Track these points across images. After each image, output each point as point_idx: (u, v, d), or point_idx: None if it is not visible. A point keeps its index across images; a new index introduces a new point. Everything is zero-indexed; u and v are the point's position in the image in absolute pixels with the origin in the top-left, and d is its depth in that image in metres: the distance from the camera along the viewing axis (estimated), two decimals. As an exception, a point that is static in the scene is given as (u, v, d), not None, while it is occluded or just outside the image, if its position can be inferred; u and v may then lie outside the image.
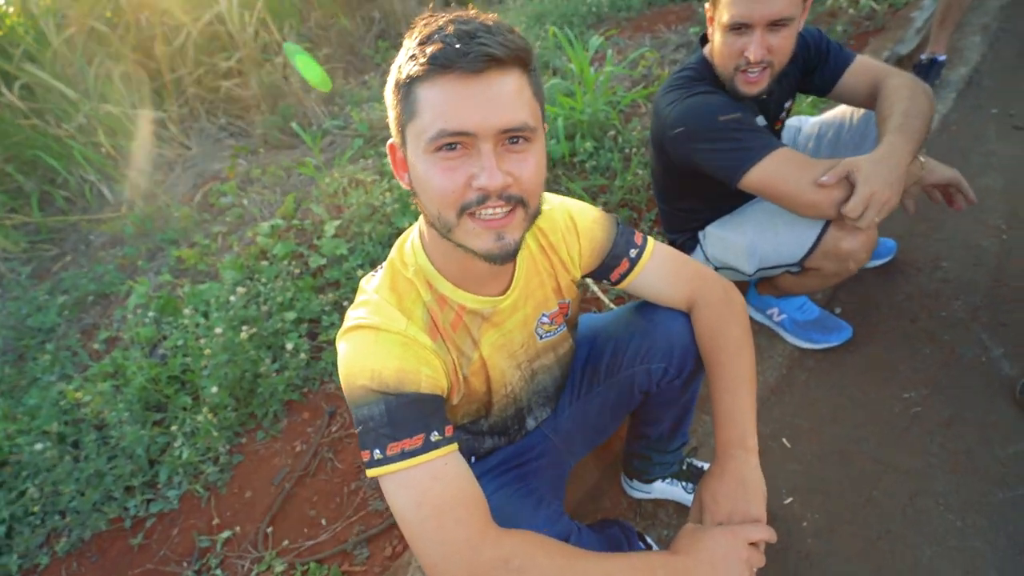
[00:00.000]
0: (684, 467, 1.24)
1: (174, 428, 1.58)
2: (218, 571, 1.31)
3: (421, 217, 0.75)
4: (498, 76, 0.60)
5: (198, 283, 2.17)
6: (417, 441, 0.66)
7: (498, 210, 0.64)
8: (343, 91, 3.85)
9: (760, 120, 1.32)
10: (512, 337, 0.85)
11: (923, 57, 2.45)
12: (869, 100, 1.28)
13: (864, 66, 1.31)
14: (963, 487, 1.17)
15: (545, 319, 0.89)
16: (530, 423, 1.02)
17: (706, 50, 1.31)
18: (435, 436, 0.67)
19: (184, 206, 2.94)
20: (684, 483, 1.23)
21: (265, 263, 2.13)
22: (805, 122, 1.63)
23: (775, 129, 1.44)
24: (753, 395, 0.83)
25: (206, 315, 1.91)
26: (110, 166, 3.31)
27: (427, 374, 0.71)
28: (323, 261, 2.10)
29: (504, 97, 0.60)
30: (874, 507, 1.18)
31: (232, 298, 1.87)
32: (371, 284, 0.77)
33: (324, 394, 1.71)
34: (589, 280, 0.99)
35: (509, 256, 0.67)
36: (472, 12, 0.63)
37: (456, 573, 0.63)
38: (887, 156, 1.09)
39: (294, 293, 1.95)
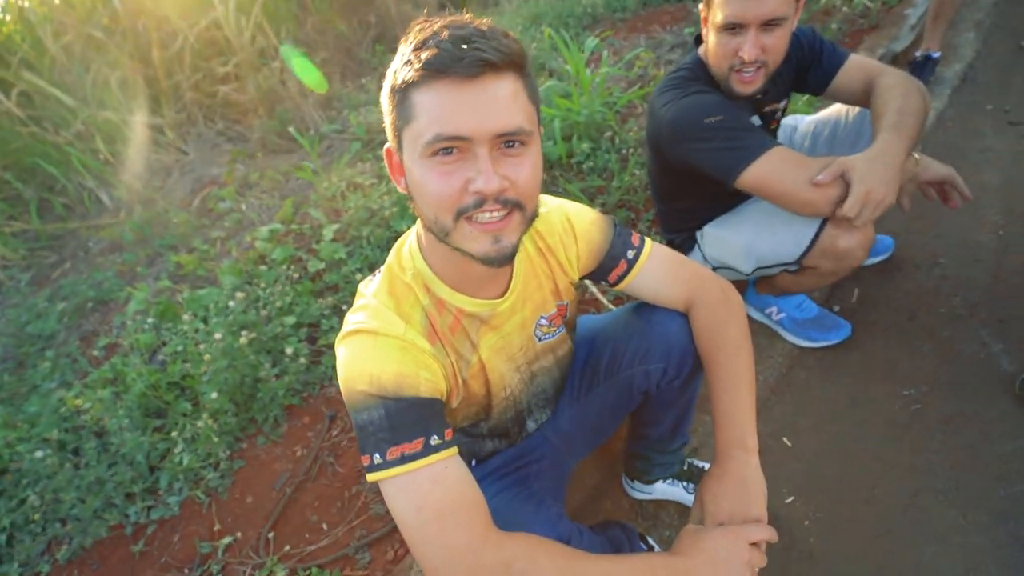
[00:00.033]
0: (685, 467, 1.23)
1: (174, 434, 1.58)
2: (220, 577, 1.31)
3: (418, 221, 0.75)
4: (493, 80, 0.60)
5: (197, 289, 2.17)
6: (417, 445, 0.66)
7: (495, 214, 0.64)
8: (340, 95, 3.86)
9: (755, 120, 1.33)
10: (511, 340, 0.85)
11: (917, 54, 2.46)
12: (864, 98, 1.29)
13: (858, 65, 1.32)
14: (964, 484, 1.17)
15: (544, 321, 0.89)
16: (530, 425, 1.02)
17: (700, 50, 1.31)
18: (435, 440, 0.67)
19: (182, 211, 2.94)
20: (685, 483, 1.23)
21: (264, 268, 2.13)
22: (801, 121, 1.63)
23: (770, 128, 1.45)
24: (752, 395, 0.83)
25: (205, 320, 1.91)
26: (108, 172, 3.31)
27: (426, 378, 0.71)
28: (322, 265, 2.10)
29: (499, 101, 0.60)
30: (876, 505, 1.18)
31: (231, 303, 1.87)
32: (369, 288, 0.78)
33: (324, 398, 1.70)
34: (588, 281, 1.00)
35: (506, 259, 0.67)
36: (467, 17, 0.63)
37: (457, 577, 0.63)
38: (881, 154, 1.09)
39: (293, 297, 1.95)
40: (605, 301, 1.71)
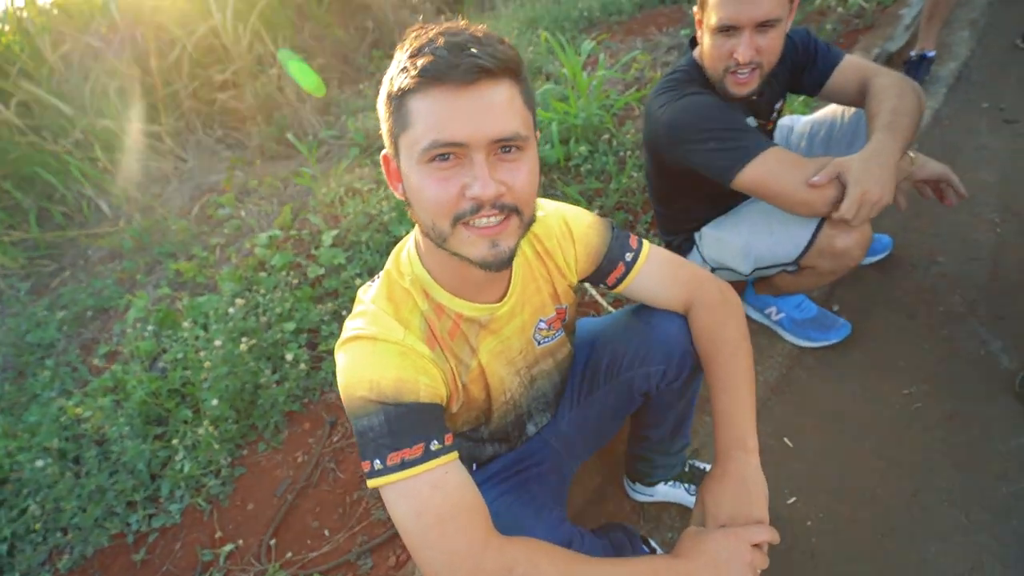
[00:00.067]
0: (687, 469, 1.23)
1: (175, 442, 1.57)
2: (222, 585, 1.31)
3: (416, 227, 0.75)
4: (489, 87, 0.60)
5: (197, 296, 2.17)
6: (417, 451, 0.66)
7: (492, 219, 0.64)
8: (338, 100, 3.87)
9: (751, 121, 1.33)
10: (510, 344, 0.85)
11: (913, 53, 2.47)
12: (859, 99, 1.29)
13: (852, 65, 1.32)
14: (966, 482, 1.17)
15: (543, 325, 0.89)
16: (530, 429, 1.02)
17: (696, 52, 1.32)
18: (435, 445, 0.67)
19: (182, 219, 2.94)
20: (687, 485, 1.23)
21: (263, 274, 2.14)
22: (797, 121, 1.64)
23: (767, 129, 1.45)
24: (752, 395, 0.83)
25: (205, 327, 1.91)
26: (107, 181, 3.32)
27: (425, 383, 0.71)
28: (321, 271, 2.10)
29: (495, 107, 0.60)
30: (878, 504, 1.18)
31: (231, 310, 1.87)
32: (368, 294, 0.78)
33: (325, 404, 1.70)
34: (587, 284, 1.00)
35: (504, 263, 0.67)
36: (462, 24, 0.64)
37: (459, 582, 0.63)
38: (876, 154, 1.10)
39: (293, 303, 1.95)
40: (605, 303, 1.71)
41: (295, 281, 2.08)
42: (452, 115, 0.59)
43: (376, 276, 0.81)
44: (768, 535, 0.72)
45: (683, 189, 1.43)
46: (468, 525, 0.65)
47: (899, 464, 1.23)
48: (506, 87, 0.62)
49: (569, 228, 0.88)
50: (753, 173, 1.17)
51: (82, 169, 3.26)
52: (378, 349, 0.70)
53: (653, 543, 1.12)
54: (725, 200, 1.42)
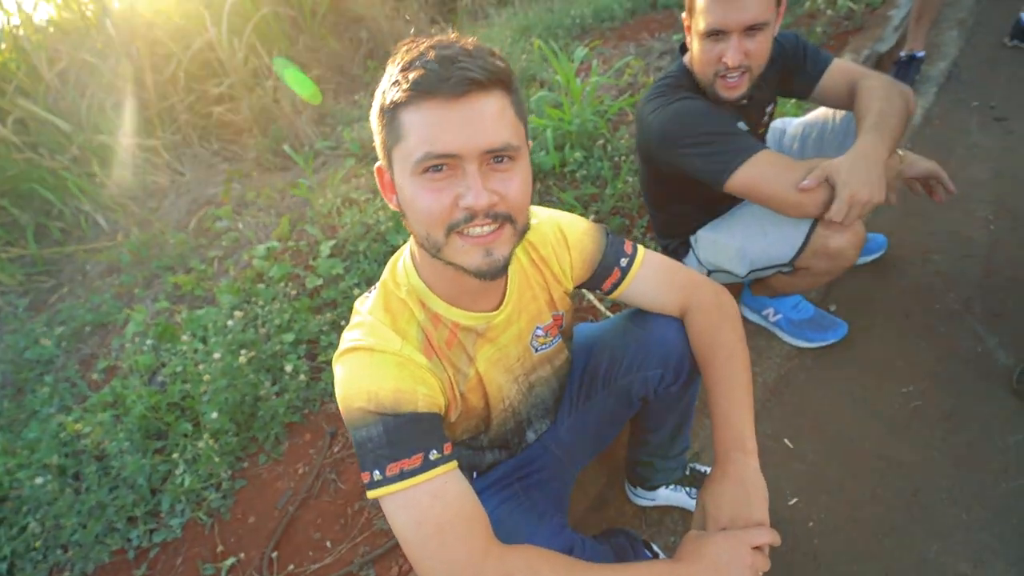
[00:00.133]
0: (687, 472, 1.23)
1: (175, 455, 1.57)
2: (224, 599, 1.30)
3: (411, 237, 0.76)
4: (480, 98, 0.61)
5: (195, 309, 2.17)
6: (416, 460, 0.66)
7: (485, 227, 0.65)
8: (334, 111, 3.89)
9: (741, 125, 1.34)
10: (507, 351, 0.86)
11: (902, 54, 2.49)
12: (849, 102, 1.31)
13: (841, 69, 1.34)
14: (966, 480, 1.18)
15: (540, 332, 0.90)
16: (530, 436, 1.02)
17: (686, 58, 1.33)
18: (434, 455, 0.68)
19: (179, 232, 2.95)
20: (688, 488, 1.23)
21: (262, 286, 2.14)
22: (789, 123, 1.65)
23: (759, 133, 1.47)
24: (749, 396, 0.84)
25: (204, 340, 1.91)
26: (105, 196, 3.33)
27: (424, 393, 0.71)
28: (319, 281, 2.11)
29: (487, 119, 0.61)
30: (879, 504, 1.18)
31: (230, 322, 1.87)
32: (365, 305, 0.78)
33: (325, 415, 1.70)
34: (584, 289, 1.00)
35: (498, 272, 0.68)
36: (453, 36, 0.65)
37: (460, 591, 0.63)
38: (863, 155, 1.11)
39: (291, 315, 1.95)
40: (603, 308, 1.71)
41: (293, 292, 2.08)
42: (444, 127, 0.60)
43: (373, 287, 0.81)
44: (769, 537, 0.72)
45: (677, 193, 1.44)
46: (468, 534, 0.65)
47: (899, 463, 1.24)
48: (497, 98, 0.63)
49: (564, 235, 0.89)
50: (744, 176, 1.18)
51: (79, 185, 3.26)
52: (375, 360, 0.70)
53: (656, 547, 1.12)
54: (719, 203, 1.44)
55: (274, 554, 1.37)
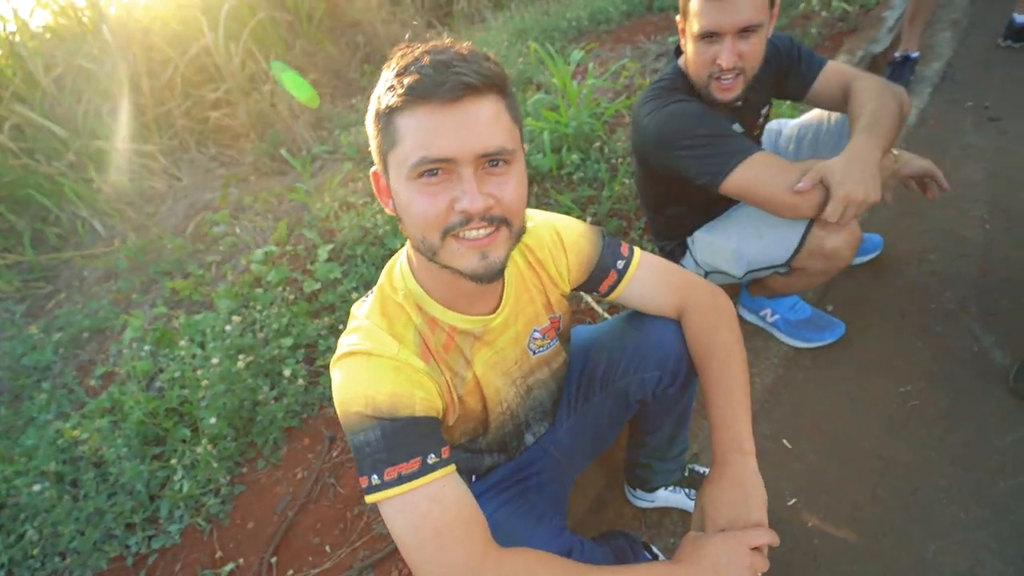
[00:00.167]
0: (686, 474, 1.24)
1: (174, 461, 1.57)
2: (223, 606, 1.30)
3: (408, 242, 0.76)
4: (475, 103, 0.61)
5: (193, 314, 2.17)
6: (414, 464, 0.66)
7: (481, 230, 0.65)
8: (331, 115, 3.90)
9: (737, 127, 1.35)
10: (505, 354, 0.86)
11: (897, 55, 2.51)
12: (843, 104, 1.32)
13: (835, 71, 1.35)
14: (964, 479, 1.18)
15: (537, 334, 0.90)
16: (528, 438, 1.02)
17: (680, 61, 1.34)
18: (432, 459, 0.68)
19: (177, 237, 2.94)
20: (687, 490, 1.23)
21: (260, 290, 2.14)
22: (785, 125, 1.66)
23: (754, 135, 1.47)
24: (747, 397, 0.84)
25: (202, 346, 1.91)
26: (102, 201, 3.33)
27: (421, 397, 0.71)
28: (317, 285, 2.11)
29: (482, 123, 0.62)
30: (877, 504, 1.18)
31: (228, 327, 1.87)
32: (362, 310, 0.78)
33: (323, 419, 1.70)
34: (581, 291, 1.01)
35: (495, 275, 0.68)
36: (447, 41, 0.65)
37: (458, 595, 0.63)
38: (857, 156, 1.12)
39: (289, 319, 1.95)
40: (600, 310, 1.72)
41: (291, 296, 2.08)
42: (439, 132, 0.61)
43: (370, 291, 0.81)
44: (767, 538, 0.72)
45: (673, 195, 1.44)
46: (466, 538, 0.65)
47: (898, 463, 1.24)
48: (491, 102, 0.63)
49: (560, 237, 0.89)
50: (739, 178, 1.18)
51: (76, 190, 3.26)
52: (373, 364, 0.71)
53: (655, 549, 1.12)
54: (715, 205, 1.44)
55: (273, 559, 1.36)
